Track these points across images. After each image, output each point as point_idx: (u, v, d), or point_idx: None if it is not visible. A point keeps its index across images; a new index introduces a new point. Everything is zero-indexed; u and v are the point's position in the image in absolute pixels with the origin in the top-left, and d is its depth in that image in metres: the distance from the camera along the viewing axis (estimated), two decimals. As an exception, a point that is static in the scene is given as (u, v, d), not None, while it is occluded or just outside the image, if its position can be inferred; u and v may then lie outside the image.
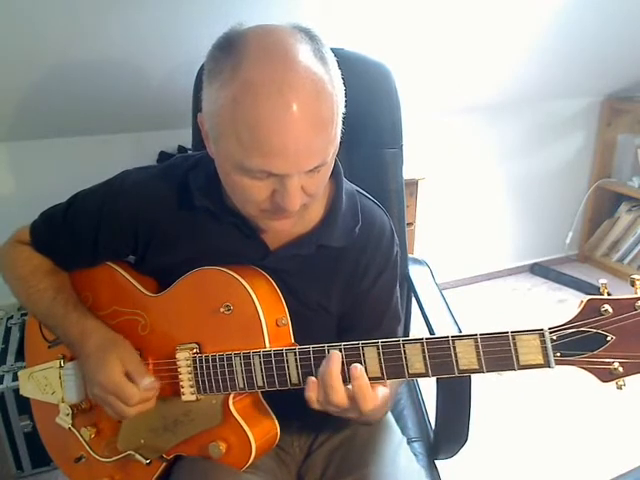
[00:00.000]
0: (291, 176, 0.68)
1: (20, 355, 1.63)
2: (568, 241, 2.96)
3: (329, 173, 0.76)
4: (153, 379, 0.82)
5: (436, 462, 1.06)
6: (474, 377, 0.92)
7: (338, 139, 0.72)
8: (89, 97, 1.67)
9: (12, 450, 1.61)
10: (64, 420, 0.94)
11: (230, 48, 0.67)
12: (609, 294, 0.62)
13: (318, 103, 0.66)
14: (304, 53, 0.66)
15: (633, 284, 0.61)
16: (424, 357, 0.68)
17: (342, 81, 0.71)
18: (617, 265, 2.80)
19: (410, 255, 1.35)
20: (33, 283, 0.90)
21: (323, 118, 0.67)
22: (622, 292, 0.62)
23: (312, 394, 0.72)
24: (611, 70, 2.48)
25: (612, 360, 0.61)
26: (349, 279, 0.87)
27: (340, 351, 0.72)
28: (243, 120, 0.65)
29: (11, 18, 1.36)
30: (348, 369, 0.71)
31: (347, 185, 0.89)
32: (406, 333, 1.31)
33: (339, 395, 0.71)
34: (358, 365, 0.71)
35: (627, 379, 0.61)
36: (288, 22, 0.70)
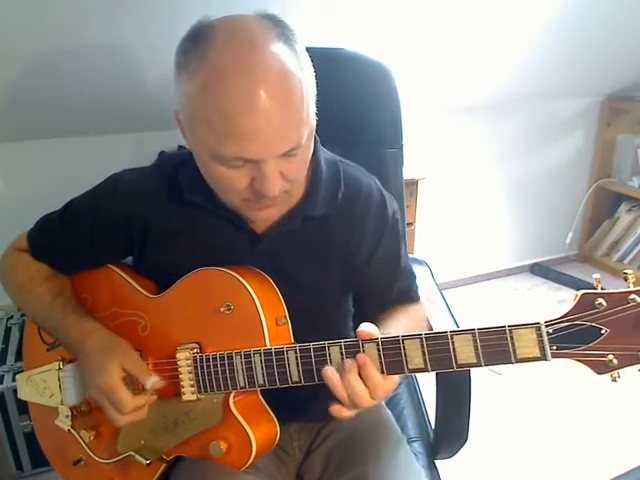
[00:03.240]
0: (267, 161, 0.68)
1: (20, 355, 1.63)
2: (568, 241, 2.96)
3: (308, 157, 0.75)
4: (158, 378, 0.82)
5: (436, 462, 1.06)
6: (474, 377, 0.93)
7: (312, 121, 0.72)
8: (89, 97, 1.67)
9: (12, 450, 1.61)
10: (63, 422, 0.93)
11: (197, 39, 0.68)
12: (603, 288, 0.63)
13: (286, 84, 0.66)
14: (270, 37, 0.67)
15: (626, 279, 0.62)
16: (423, 352, 0.68)
17: (310, 63, 0.71)
18: (617, 265, 2.81)
19: (410, 255, 1.35)
20: (31, 288, 0.91)
21: (293, 99, 0.66)
22: (621, 291, 0.63)
23: (343, 393, 0.70)
24: (611, 70, 2.48)
25: (607, 352, 0.62)
26: (345, 250, 0.87)
27: (340, 348, 0.72)
28: (213, 106, 0.65)
29: (11, 17, 1.36)
30: None
31: (328, 155, 0.88)
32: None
33: (360, 387, 0.70)
34: (361, 355, 0.70)
35: (625, 375, 0.62)
36: (255, 10, 0.71)
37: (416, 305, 0.96)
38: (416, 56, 1.98)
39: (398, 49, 1.88)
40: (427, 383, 1.06)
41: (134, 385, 0.81)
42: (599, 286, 0.63)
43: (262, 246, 0.84)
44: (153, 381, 0.81)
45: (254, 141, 0.66)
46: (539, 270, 2.90)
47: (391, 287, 0.92)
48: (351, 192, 0.86)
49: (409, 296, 0.96)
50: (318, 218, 0.84)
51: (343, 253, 0.87)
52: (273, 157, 0.68)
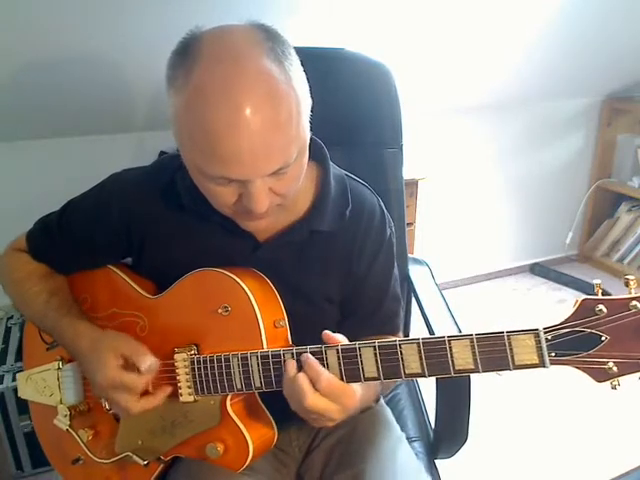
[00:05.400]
0: (253, 181, 0.67)
1: (20, 355, 1.63)
2: (568, 241, 2.96)
3: (300, 173, 0.74)
4: (154, 359, 0.79)
5: (436, 462, 1.06)
6: (473, 377, 0.92)
7: (303, 138, 0.70)
8: (89, 97, 1.67)
9: (12, 450, 1.61)
10: (62, 421, 0.94)
11: (185, 53, 0.67)
12: (604, 294, 0.62)
13: (272, 104, 0.64)
14: (257, 54, 0.65)
15: (627, 284, 0.61)
16: (420, 357, 0.68)
17: (304, 78, 0.70)
18: (617, 265, 2.81)
19: (410, 255, 1.35)
20: (28, 286, 0.91)
21: (279, 119, 0.64)
22: (622, 292, 0.62)
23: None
24: (611, 70, 2.47)
25: (607, 360, 0.61)
26: (345, 263, 0.87)
27: (337, 352, 0.72)
28: (197, 126, 0.65)
29: (12, 18, 1.36)
30: (345, 369, 0.71)
31: (335, 169, 0.88)
32: (406, 333, 1.31)
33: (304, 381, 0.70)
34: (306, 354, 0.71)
35: (623, 379, 0.61)
36: (248, 20, 0.69)
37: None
38: (416, 56, 1.98)
39: (398, 49, 1.88)
40: (427, 383, 1.06)
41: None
42: (600, 292, 0.62)
43: (262, 253, 0.84)
44: (148, 363, 0.78)
45: (238, 163, 0.65)
46: (539, 270, 2.90)
47: (377, 308, 0.92)
48: (357, 208, 0.87)
49: (392, 324, 0.95)
50: (325, 233, 0.84)
51: (343, 265, 0.87)
52: (259, 177, 0.67)
